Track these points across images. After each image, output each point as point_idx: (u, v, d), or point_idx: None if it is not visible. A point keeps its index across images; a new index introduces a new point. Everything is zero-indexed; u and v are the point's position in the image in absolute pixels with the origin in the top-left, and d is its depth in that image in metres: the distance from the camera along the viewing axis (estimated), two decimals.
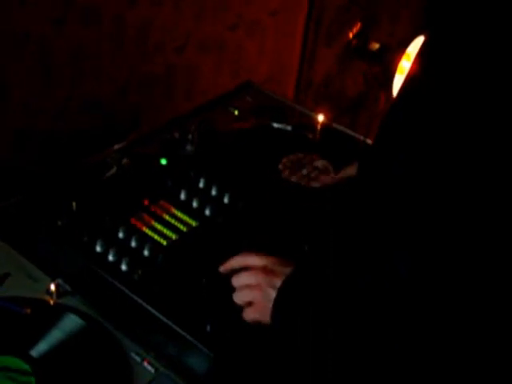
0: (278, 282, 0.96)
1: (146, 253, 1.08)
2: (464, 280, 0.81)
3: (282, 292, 0.95)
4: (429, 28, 0.98)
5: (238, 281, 1.02)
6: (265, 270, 1.00)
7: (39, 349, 0.96)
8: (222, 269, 1.06)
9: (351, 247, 1.03)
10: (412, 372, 0.84)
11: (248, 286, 1.00)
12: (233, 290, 1.02)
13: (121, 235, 1.10)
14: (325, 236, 1.14)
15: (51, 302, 1.04)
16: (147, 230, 1.13)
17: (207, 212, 1.17)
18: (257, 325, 0.98)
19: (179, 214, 1.16)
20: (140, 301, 1.01)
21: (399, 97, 1.00)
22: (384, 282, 0.88)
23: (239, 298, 1.01)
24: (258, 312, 0.98)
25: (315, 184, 1.31)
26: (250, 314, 0.99)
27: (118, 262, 1.06)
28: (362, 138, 1.46)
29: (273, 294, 0.96)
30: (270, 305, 0.96)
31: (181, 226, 1.14)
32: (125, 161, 1.26)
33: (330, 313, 0.90)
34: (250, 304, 1.00)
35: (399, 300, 0.86)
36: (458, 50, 0.86)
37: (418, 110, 0.93)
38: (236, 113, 1.48)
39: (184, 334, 0.98)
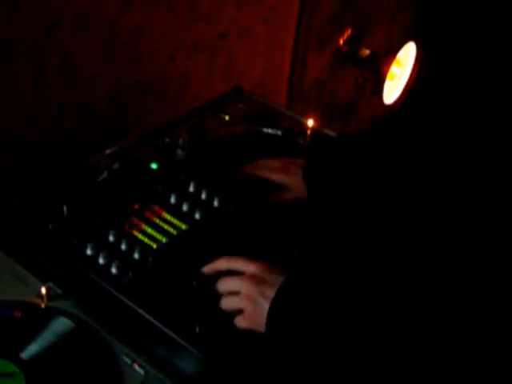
0: (270, 293, 0.97)
1: (136, 256, 1.09)
2: (459, 276, 0.82)
3: (275, 303, 0.96)
4: (425, 35, 1.00)
5: (224, 286, 1.03)
6: (254, 278, 1.00)
7: (30, 351, 0.97)
8: (206, 269, 1.07)
9: (343, 244, 1.04)
10: (405, 371, 0.85)
11: (236, 294, 1.01)
12: (218, 293, 1.03)
13: (111, 238, 1.11)
14: (313, 242, 1.16)
15: (42, 306, 1.04)
16: (137, 234, 1.14)
17: (197, 215, 1.18)
18: (247, 332, 0.99)
19: (169, 218, 1.17)
20: (130, 303, 1.02)
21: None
22: (378, 279, 0.89)
23: (227, 304, 1.02)
24: (249, 321, 0.99)
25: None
26: (241, 323, 1.00)
27: (108, 265, 1.07)
28: None
29: (265, 304, 0.97)
30: (263, 315, 0.96)
31: (171, 230, 1.15)
32: (116, 165, 1.27)
33: (318, 319, 0.91)
34: (239, 311, 1.00)
35: (394, 298, 0.86)
36: (456, 56, 0.87)
37: (416, 103, 0.95)
38: (227, 118, 1.49)
39: (173, 335, 0.99)
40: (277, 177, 1.27)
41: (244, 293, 0.99)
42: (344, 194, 1.18)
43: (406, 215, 0.90)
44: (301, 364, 0.90)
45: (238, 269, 1.03)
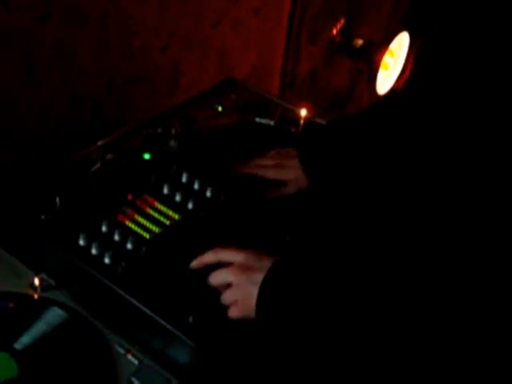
0: (258, 278, 0.97)
1: (129, 246, 1.09)
2: (460, 274, 0.82)
3: (263, 288, 0.96)
4: (419, 25, 1.00)
5: (215, 279, 1.02)
6: (242, 266, 1.00)
7: (23, 342, 0.97)
8: (194, 264, 1.06)
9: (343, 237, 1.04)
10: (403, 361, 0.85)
11: (228, 286, 1.00)
12: (211, 287, 1.03)
13: (104, 229, 1.11)
14: (310, 226, 1.16)
15: (35, 296, 1.04)
16: (130, 224, 1.13)
17: (190, 205, 1.18)
18: (242, 322, 0.99)
19: (162, 208, 1.17)
20: (123, 293, 1.02)
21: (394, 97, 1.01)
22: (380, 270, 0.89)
23: (224, 300, 1.01)
24: (241, 310, 0.99)
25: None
26: (234, 313, 1.00)
27: (101, 256, 1.06)
28: None
29: (254, 290, 0.96)
30: (253, 301, 0.96)
31: (164, 220, 1.15)
32: (108, 156, 1.27)
33: (322, 303, 0.91)
34: (234, 303, 1.00)
35: (397, 289, 0.87)
36: (454, 50, 0.87)
37: (414, 110, 0.95)
38: (219, 109, 1.48)
39: (167, 325, 0.98)
40: (273, 174, 1.27)
41: (234, 283, 0.99)
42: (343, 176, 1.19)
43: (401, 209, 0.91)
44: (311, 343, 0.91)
45: (226, 260, 1.02)
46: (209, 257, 1.05)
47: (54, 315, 1.01)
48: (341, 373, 0.93)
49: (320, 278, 0.93)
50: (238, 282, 0.99)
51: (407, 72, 1.03)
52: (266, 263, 0.98)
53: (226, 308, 1.00)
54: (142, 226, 1.13)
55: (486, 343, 0.82)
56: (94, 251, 1.07)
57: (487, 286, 0.81)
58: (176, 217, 1.16)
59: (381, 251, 0.92)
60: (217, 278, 1.02)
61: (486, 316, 0.81)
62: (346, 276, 0.92)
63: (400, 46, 2.24)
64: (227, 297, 1.00)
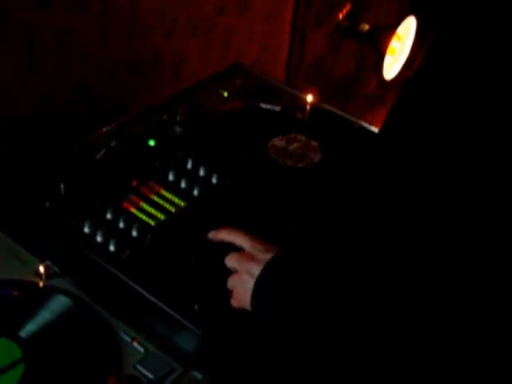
0: (256, 270, 0.94)
1: (134, 233, 1.08)
2: (462, 273, 0.81)
3: (259, 282, 0.94)
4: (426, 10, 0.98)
5: (228, 262, 1.01)
6: (245, 255, 0.98)
7: (28, 330, 0.96)
8: (211, 235, 1.06)
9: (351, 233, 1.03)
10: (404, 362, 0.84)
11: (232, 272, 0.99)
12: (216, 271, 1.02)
13: (109, 216, 1.10)
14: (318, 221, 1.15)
15: (40, 284, 1.04)
16: (135, 211, 1.13)
17: (195, 192, 1.17)
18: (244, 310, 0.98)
19: (167, 195, 1.16)
20: (128, 281, 1.02)
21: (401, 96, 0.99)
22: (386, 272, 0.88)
23: (228, 284, 1.00)
24: (237, 300, 0.98)
25: (301, 164, 1.30)
26: (232, 302, 0.99)
27: (106, 243, 1.06)
28: (351, 118, 1.47)
29: (250, 281, 0.94)
30: (249, 293, 0.94)
31: (169, 207, 1.14)
32: (113, 143, 1.26)
33: (325, 300, 0.90)
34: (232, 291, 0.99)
35: (401, 291, 0.86)
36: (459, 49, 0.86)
37: (417, 107, 0.94)
38: (225, 94, 1.47)
39: (172, 313, 0.98)
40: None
41: (238, 270, 0.98)
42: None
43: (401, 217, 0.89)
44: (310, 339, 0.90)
45: (236, 243, 1.02)
46: (222, 235, 1.05)
47: (58, 303, 1.01)
48: (342, 367, 0.92)
49: (320, 271, 0.91)
50: (239, 270, 0.97)
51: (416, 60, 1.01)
52: (268, 256, 0.95)
53: (226, 291, 1.00)
54: (147, 213, 1.13)
55: (496, 334, 0.81)
56: (98, 239, 1.06)
57: (497, 272, 0.80)
58: (181, 204, 1.15)
59: (387, 238, 0.91)
60: (228, 262, 1.01)
61: (497, 305, 0.80)
62: (352, 265, 0.91)
63: (407, 30, 2.22)
64: (228, 283, 0.99)
